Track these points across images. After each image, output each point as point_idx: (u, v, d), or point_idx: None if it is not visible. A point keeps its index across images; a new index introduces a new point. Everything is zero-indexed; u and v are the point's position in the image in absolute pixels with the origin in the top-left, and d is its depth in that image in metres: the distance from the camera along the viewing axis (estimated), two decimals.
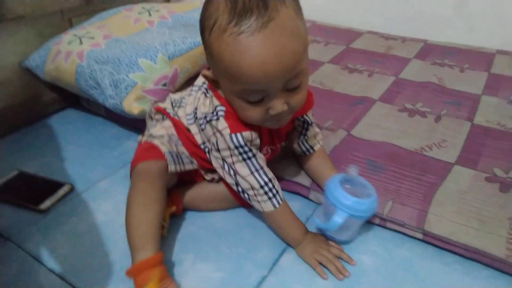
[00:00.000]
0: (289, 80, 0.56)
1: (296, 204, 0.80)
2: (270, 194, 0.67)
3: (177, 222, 0.77)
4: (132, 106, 0.93)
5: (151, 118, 0.84)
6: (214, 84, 0.65)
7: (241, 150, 0.65)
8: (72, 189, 0.85)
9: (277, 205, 0.68)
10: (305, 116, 0.76)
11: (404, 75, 1.25)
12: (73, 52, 1.00)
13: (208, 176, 0.79)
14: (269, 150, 0.75)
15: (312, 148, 0.80)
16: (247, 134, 0.64)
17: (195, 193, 0.78)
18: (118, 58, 0.96)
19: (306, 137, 0.79)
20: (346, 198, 0.65)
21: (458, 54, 1.41)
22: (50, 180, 0.86)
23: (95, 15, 1.15)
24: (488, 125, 0.99)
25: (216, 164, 0.70)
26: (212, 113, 0.65)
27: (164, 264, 0.63)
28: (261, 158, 0.68)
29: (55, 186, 0.84)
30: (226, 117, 0.64)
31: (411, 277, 0.66)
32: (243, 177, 0.66)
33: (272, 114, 0.59)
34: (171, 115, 0.78)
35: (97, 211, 0.79)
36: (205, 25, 0.56)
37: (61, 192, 0.83)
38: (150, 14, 1.16)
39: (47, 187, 0.84)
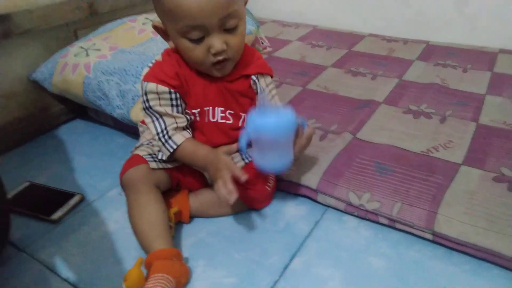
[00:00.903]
0: (225, 19, 0.63)
1: (303, 208, 0.81)
2: (163, 140, 0.72)
3: (186, 230, 0.77)
4: (140, 116, 0.94)
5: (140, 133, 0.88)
6: (164, 36, 0.71)
7: (145, 97, 0.71)
8: (82, 199, 0.86)
9: (170, 149, 0.72)
10: (259, 80, 0.75)
11: (408, 77, 1.26)
12: (80, 64, 1.01)
13: (207, 175, 0.80)
14: (228, 115, 0.76)
15: None
16: (151, 85, 0.69)
17: (202, 199, 0.79)
18: (124, 68, 0.97)
19: None
20: (251, 119, 0.66)
21: (461, 54, 1.41)
22: (60, 190, 0.88)
23: (100, 27, 1.17)
24: (493, 124, 0.99)
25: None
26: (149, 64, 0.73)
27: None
28: (163, 112, 0.70)
29: (66, 196, 0.85)
30: (152, 67, 0.71)
31: (421, 278, 0.66)
32: (147, 124, 0.73)
33: (213, 53, 0.65)
34: None
35: (109, 220, 0.80)
36: None
37: (72, 202, 0.84)
38: None
39: (58, 198, 0.85)
